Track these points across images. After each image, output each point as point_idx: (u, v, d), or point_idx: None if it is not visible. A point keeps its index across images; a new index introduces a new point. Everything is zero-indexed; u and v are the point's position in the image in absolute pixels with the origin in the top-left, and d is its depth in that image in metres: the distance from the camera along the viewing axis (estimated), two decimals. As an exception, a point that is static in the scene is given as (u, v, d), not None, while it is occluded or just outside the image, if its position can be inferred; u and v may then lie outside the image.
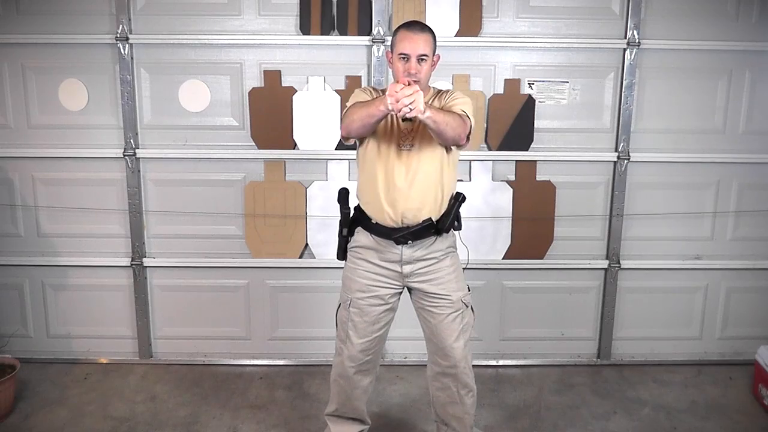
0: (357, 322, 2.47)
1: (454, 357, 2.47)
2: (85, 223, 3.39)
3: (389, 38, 2.89)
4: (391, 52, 2.37)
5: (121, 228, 3.40)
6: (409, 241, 2.39)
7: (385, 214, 2.38)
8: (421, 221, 2.37)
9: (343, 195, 2.52)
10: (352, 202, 2.53)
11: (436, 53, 2.39)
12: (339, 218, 2.53)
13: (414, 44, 2.30)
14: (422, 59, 2.31)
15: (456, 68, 3.26)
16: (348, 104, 2.39)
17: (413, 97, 2.07)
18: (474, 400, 2.57)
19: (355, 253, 2.49)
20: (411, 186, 2.35)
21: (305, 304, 3.46)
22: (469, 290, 2.53)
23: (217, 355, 3.51)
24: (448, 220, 2.42)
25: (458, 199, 2.45)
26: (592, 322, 3.53)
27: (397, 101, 2.07)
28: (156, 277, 3.46)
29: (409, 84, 2.18)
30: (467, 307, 2.49)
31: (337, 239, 2.56)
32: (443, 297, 2.45)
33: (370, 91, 2.45)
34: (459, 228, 2.49)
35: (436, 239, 2.43)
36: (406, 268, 2.43)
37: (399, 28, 2.38)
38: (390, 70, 2.56)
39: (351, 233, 2.50)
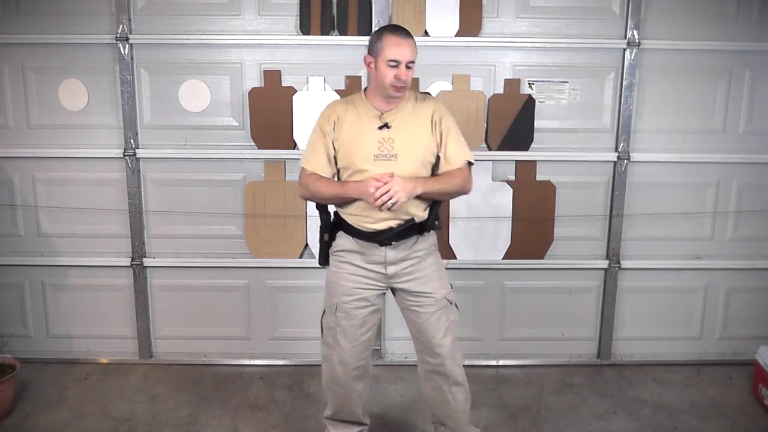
0: (345, 326, 2.47)
1: (442, 354, 2.48)
2: (85, 223, 3.39)
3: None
4: (373, 55, 2.35)
5: (121, 228, 3.40)
6: (393, 242, 2.40)
7: (368, 223, 2.39)
8: (404, 222, 2.39)
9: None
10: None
11: None
12: (319, 224, 2.52)
13: (404, 50, 2.31)
14: (410, 66, 2.33)
15: (456, 68, 3.26)
16: (305, 163, 2.44)
17: (391, 195, 2.24)
18: (467, 397, 2.57)
19: (338, 257, 2.48)
20: None
21: (305, 304, 3.46)
22: (452, 287, 2.54)
23: (217, 355, 3.51)
24: (430, 220, 2.44)
25: (437, 201, 2.46)
26: (592, 322, 3.53)
27: (376, 199, 2.24)
28: (156, 277, 3.46)
29: (383, 180, 2.26)
30: (451, 304, 2.50)
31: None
32: (427, 295, 2.46)
33: (327, 120, 2.42)
34: (438, 228, 2.50)
35: (418, 239, 2.45)
36: (391, 269, 2.44)
37: (384, 31, 2.35)
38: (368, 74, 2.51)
39: (332, 237, 2.49)
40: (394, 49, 2.30)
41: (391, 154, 2.35)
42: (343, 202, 2.42)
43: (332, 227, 2.49)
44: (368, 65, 2.38)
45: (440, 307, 2.47)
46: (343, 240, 2.46)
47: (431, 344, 2.48)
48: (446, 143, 2.41)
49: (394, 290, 2.51)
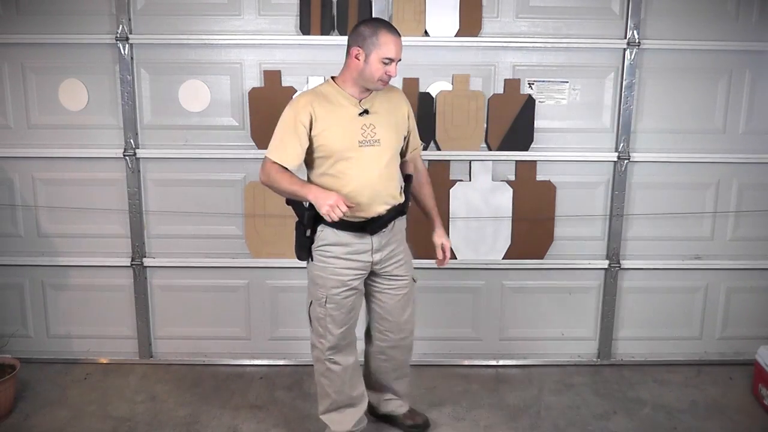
0: (335, 315, 2.54)
1: (407, 329, 2.69)
2: (85, 223, 3.39)
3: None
4: (364, 49, 2.37)
5: (121, 228, 3.40)
6: (384, 230, 2.50)
7: (357, 212, 2.44)
8: (389, 209, 2.51)
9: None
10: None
11: None
12: (297, 219, 2.54)
13: (399, 49, 2.40)
14: (398, 62, 2.43)
15: (456, 68, 3.26)
16: (272, 154, 2.42)
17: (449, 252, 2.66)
18: (410, 357, 2.80)
19: (324, 252, 2.51)
20: (380, 181, 2.46)
21: (305, 304, 3.45)
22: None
23: (217, 355, 3.51)
24: (407, 202, 2.61)
25: (409, 180, 2.64)
26: (592, 322, 3.53)
27: (330, 209, 2.29)
28: (156, 277, 3.46)
29: (348, 207, 2.33)
30: (414, 282, 2.69)
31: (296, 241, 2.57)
32: (402, 278, 2.62)
33: (296, 115, 2.42)
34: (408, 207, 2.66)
35: (395, 223, 2.56)
36: (376, 256, 2.53)
37: (379, 28, 2.38)
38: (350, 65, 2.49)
39: (313, 231, 2.51)
40: (391, 47, 2.37)
41: (374, 140, 2.45)
42: (296, 198, 2.45)
43: (314, 221, 2.48)
44: (355, 56, 2.39)
45: (409, 287, 2.65)
46: (327, 233, 2.48)
47: (399, 322, 2.65)
48: (413, 131, 2.64)
49: (372, 276, 2.60)
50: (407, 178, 2.63)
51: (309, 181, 2.53)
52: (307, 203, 2.48)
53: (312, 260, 2.54)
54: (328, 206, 2.29)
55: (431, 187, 2.73)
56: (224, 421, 2.98)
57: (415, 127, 2.66)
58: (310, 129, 2.41)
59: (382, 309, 2.63)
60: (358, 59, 2.38)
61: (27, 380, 3.26)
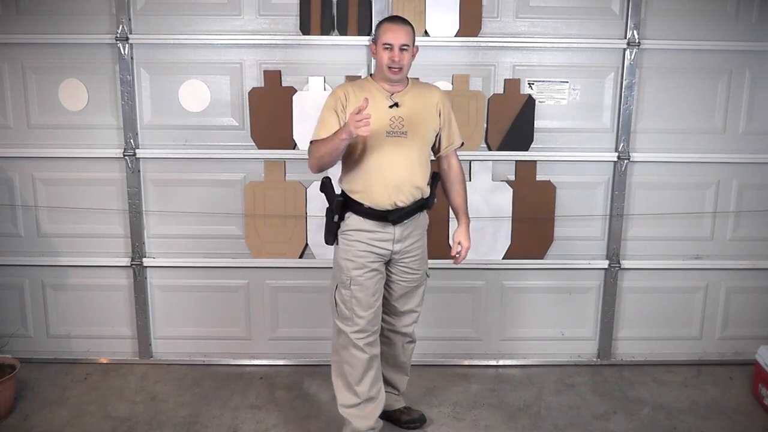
0: (360, 297, 2.61)
1: (412, 317, 2.80)
2: (85, 223, 3.39)
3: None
4: (375, 42, 2.58)
5: (121, 228, 3.40)
6: (405, 221, 2.60)
7: (381, 200, 2.55)
8: (413, 201, 2.59)
9: (329, 184, 2.67)
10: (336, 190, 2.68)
11: (415, 45, 2.58)
12: (327, 206, 2.66)
13: (397, 35, 2.51)
14: (404, 49, 2.52)
15: (456, 68, 3.26)
16: (314, 135, 2.59)
17: (466, 251, 2.70)
18: (414, 347, 2.89)
19: (348, 236, 2.62)
20: (405, 171, 2.56)
21: (305, 304, 3.46)
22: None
23: (217, 355, 3.51)
24: (432, 198, 2.69)
25: (435, 178, 2.73)
26: (592, 322, 3.53)
27: (356, 126, 2.32)
28: (156, 277, 3.46)
29: (366, 108, 2.34)
30: (428, 276, 2.81)
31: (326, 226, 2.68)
32: (416, 271, 2.72)
33: (343, 95, 2.58)
34: (435, 204, 2.75)
35: (420, 217, 2.67)
36: (397, 246, 2.62)
37: (382, 21, 2.60)
38: (373, 62, 2.73)
39: (341, 218, 2.63)
40: (388, 34, 2.52)
41: (402, 132, 2.56)
42: (338, 152, 2.49)
43: (342, 208, 2.62)
44: (373, 52, 2.61)
45: (422, 281, 2.77)
46: (352, 220, 2.61)
47: (405, 310, 2.77)
48: (448, 126, 2.70)
49: (388, 264, 2.68)
50: (434, 176, 2.71)
51: (342, 171, 2.65)
52: (339, 189, 2.64)
53: (337, 244, 2.66)
54: (354, 127, 2.33)
55: (463, 186, 2.75)
56: (224, 421, 2.98)
57: (452, 124, 2.70)
58: (345, 111, 2.56)
59: (390, 296, 2.74)
60: (374, 52, 2.58)
61: (27, 380, 3.26)
